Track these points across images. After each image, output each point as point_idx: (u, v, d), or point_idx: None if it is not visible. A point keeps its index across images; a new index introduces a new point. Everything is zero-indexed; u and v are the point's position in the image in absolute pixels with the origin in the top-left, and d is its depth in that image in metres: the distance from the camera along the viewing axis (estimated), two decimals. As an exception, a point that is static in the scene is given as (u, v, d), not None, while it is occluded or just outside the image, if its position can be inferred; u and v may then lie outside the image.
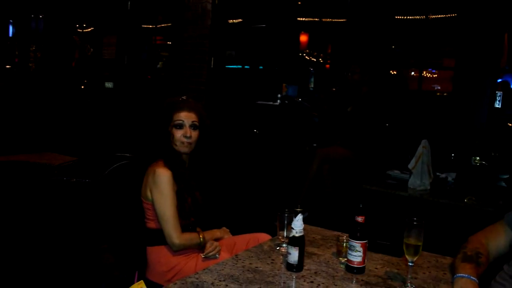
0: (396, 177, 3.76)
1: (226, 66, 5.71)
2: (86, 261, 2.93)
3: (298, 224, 1.68)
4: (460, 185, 3.61)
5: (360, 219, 1.70)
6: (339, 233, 2.25)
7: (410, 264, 1.63)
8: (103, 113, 6.72)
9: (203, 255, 2.19)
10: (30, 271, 2.85)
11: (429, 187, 3.38)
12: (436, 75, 4.96)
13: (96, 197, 2.20)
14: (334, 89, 5.53)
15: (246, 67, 5.79)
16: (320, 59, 6.34)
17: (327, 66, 6.21)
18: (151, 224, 2.16)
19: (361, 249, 1.69)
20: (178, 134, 2.19)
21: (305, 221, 3.85)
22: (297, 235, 1.67)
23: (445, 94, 4.90)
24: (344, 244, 1.84)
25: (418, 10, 4.51)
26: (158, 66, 6.70)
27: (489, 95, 4.02)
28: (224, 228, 2.45)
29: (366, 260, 1.72)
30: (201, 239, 2.20)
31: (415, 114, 4.81)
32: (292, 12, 5.25)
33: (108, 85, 6.95)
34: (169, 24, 6.52)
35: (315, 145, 4.70)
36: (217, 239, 2.34)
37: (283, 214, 1.93)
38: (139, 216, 2.20)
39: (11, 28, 8.74)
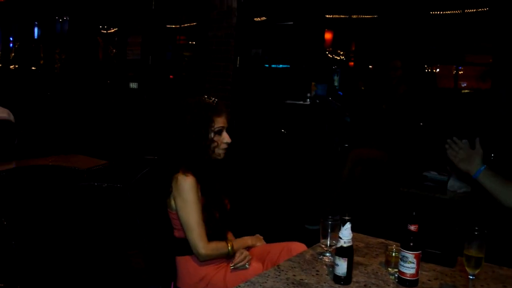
0: (434, 179, 3.59)
1: (268, 66, 5.60)
2: (115, 267, 2.87)
3: (346, 234, 1.55)
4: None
5: (413, 227, 1.57)
6: (383, 240, 2.12)
7: (471, 277, 1.49)
8: (129, 114, 6.69)
9: (232, 265, 2.08)
10: (60, 277, 2.80)
11: (469, 190, 3.22)
12: (461, 72, 4.79)
13: (127, 202, 2.11)
14: (362, 87, 5.39)
15: (273, 66, 5.68)
16: (342, 57, 6.20)
17: (351, 64, 6.09)
18: (178, 233, 2.07)
19: (414, 260, 1.56)
20: (221, 140, 2.07)
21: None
22: (345, 245, 1.55)
23: (467, 91, 4.77)
24: (394, 254, 1.71)
25: (453, 4, 4.34)
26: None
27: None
28: (258, 235, 2.32)
29: (419, 272, 1.59)
30: (230, 248, 2.07)
31: (450, 113, 4.64)
32: (319, 9, 5.12)
33: (133, 85, 6.93)
34: (193, 24, 6.46)
35: (347, 145, 4.56)
36: (248, 248, 2.22)
37: (326, 221, 1.80)
38: (167, 224, 2.11)
39: (36, 30, 8.82)
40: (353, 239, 1.59)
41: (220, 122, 2.06)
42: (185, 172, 1.99)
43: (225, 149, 2.09)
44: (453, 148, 2.15)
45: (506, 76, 3.91)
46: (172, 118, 2.09)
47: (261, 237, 2.31)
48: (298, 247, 2.17)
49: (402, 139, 3.95)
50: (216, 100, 2.11)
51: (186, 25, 6.66)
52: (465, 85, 5.00)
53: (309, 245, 2.15)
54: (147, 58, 6.62)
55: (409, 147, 3.95)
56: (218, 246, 2.05)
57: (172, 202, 2.03)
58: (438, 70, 5.80)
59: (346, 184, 3.88)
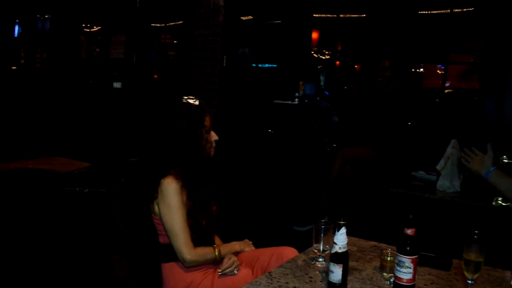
0: (422, 178, 3.58)
1: (255, 65, 5.53)
2: (98, 273, 2.78)
3: (341, 239, 1.50)
4: (489, 185, 3.43)
5: (410, 231, 1.52)
6: (375, 242, 2.07)
7: (470, 281, 1.45)
8: (112, 114, 6.56)
9: (220, 271, 2.02)
10: (42, 283, 2.71)
11: (459, 189, 3.20)
12: (443, 72, 4.80)
13: (110, 208, 2.02)
14: (345, 87, 5.36)
15: (260, 65, 5.62)
16: (328, 56, 6.17)
17: (337, 63, 6.06)
18: (163, 239, 2.00)
19: (411, 265, 1.51)
20: (211, 138, 2.07)
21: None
22: (340, 251, 1.50)
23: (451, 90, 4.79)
24: (389, 259, 1.66)
25: (440, 4, 4.33)
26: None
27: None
28: (246, 240, 2.26)
29: (416, 277, 1.54)
30: (217, 253, 2.02)
31: (437, 112, 4.64)
32: (307, 7, 5.07)
33: (117, 85, 6.79)
34: (179, 23, 6.36)
35: (335, 145, 4.52)
36: (236, 253, 2.16)
37: (319, 225, 1.75)
38: (152, 229, 2.04)
39: (17, 28, 8.61)
40: (347, 245, 1.54)
41: (208, 121, 2.05)
42: (173, 176, 1.93)
43: (214, 146, 2.10)
44: (469, 155, 2.32)
45: (493, 76, 3.90)
46: (164, 121, 2.04)
47: (250, 242, 2.26)
48: (289, 252, 2.12)
49: (391, 139, 3.92)
50: (200, 100, 2.07)
51: (171, 23, 6.56)
52: (448, 84, 5.01)
53: (298, 247, 2.10)
54: (131, 57, 6.50)
55: (398, 146, 3.93)
56: (204, 252, 1.99)
57: (156, 208, 1.97)
58: (422, 69, 5.81)
59: (335, 185, 3.84)
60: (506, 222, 2.88)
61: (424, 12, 4.42)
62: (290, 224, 3.87)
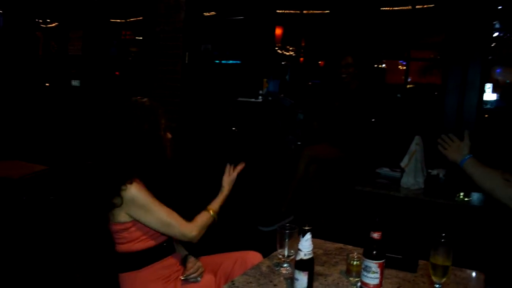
0: (387, 175, 3.59)
1: (219, 61, 5.42)
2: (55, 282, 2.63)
3: (306, 245, 1.44)
4: (451, 181, 3.47)
5: (376, 235, 1.47)
6: (341, 244, 2.03)
7: (437, 286, 1.42)
8: (70, 114, 6.30)
9: (183, 277, 1.93)
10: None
11: (423, 186, 3.22)
12: (405, 67, 4.85)
13: (61, 215, 1.90)
14: (310, 83, 5.33)
15: (223, 62, 5.53)
16: (292, 53, 6.15)
17: (301, 59, 6.04)
18: (121, 248, 1.88)
19: (378, 270, 1.47)
20: (168, 137, 1.97)
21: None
22: (305, 257, 1.44)
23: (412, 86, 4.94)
24: (355, 263, 1.61)
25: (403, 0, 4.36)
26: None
27: (478, 87, 3.88)
28: (224, 178, 2.33)
29: (383, 282, 1.50)
30: (212, 213, 2.02)
31: (400, 108, 4.67)
32: (270, 3, 5.01)
33: (75, 83, 6.55)
34: (139, 18, 6.18)
35: (300, 143, 4.47)
36: (198, 257, 2.08)
37: (283, 230, 1.68)
38: (108, 239, 1.93)
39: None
40: (313, 250, 1.48)
41: (164, 120, 1.96)
42: (136, 181, 1.82)
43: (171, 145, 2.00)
44: (445, 141, 2.27)
45: (455, 72, 3.95)
46: (123, 123, 1.89)
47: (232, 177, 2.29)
48: (253, 257, 2.05)
49: (356, 136, 3.91)
50: (149, 99, 1.98)
51: (132, 19, 6.37)
52: (410, 79, 5.08)
53: (264, 248, 2.04)
54: (90, 53, 6.27)
55: (362, 144, 3.92)
56: (202, 220, 1.96)
57: (120, 215, 1.84)
58: (384, 65, 5.87)
59: (300, 183, 3.79)
60: (468, 219, 2.92)
61: (386, 8, 4.43)
62: (255, 224, 3.81)
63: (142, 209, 1.81)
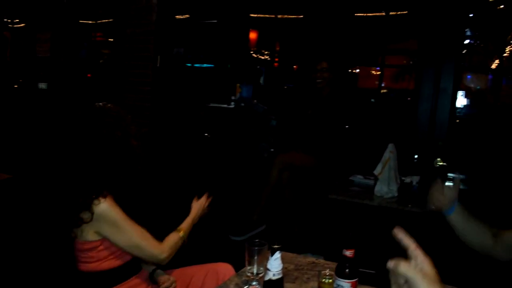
0: (360, 183, 3.56)
1: (191, 65, 5.31)
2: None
3: (276, 265, 1.36)
4: (424, 189, 3.46)
5: (349, 253, 1.41)
6: (313, 259, 1.96)
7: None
8: (37, 118, 6.06)
9: None
10: None
11: (396, 194, 3.20)
12: (379, 73, 4.87)
13: (24, 227, 1.78)
14: (285, 87, 5.28)
15: (196, 65, 5.42)
16: (267, 57, 6.11)
17: (276, 64, 6.00)
18: (87, 267, 1.77)
19: (350, 289, 1.40)
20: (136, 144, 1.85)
21: (262, 234, 3.53)
22: (274, 278, 1.36)
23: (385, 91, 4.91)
24: (327, 281, 1.54)
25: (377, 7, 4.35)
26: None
27: (451, 94, 3.88)
28: (194, 200, 2.18)
29: (355, 301, 1.43)
30: (182, 234, 1.92)
31: (374, 114, 4.66)
32: (244, 7, 4.93)
33: (42, 86, 6.32)
34: (111, 20, 6.02)
35: (273, 150, 4.40)
36: (170, 271, 2.00)
37: (252, 246, 1.60)
38: (71, 256, 1.81)
39: None
40: (283, 269, 1.40)
41: (134, 127, 1.84)
42: (103, 196, 1.70)
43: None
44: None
45: (428, 78, 3.94)
46: (93, 131, 1.76)
47: (201, 202, 2.15)
48: (224, 269, 1.98)
49: (329, 143, 3.86)
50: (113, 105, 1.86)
51: (103, 21, 6.20)
52: (383, 85, 5.09)
53: (235, 259, 1.95)
54: (58, 55, 6.07)
55: (335, 151, 3.87)
56: (172, 241, 1.87)
57: (88, 233, 1.72)
58: (358, 70, 5.87)
59: (273, 191, 3.71)
60: (441, 227, 2.89)
61: (360, 14, 4.42)
62: (226, 233, 3.71)
63: (113, 227, 1.70)
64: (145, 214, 1.90)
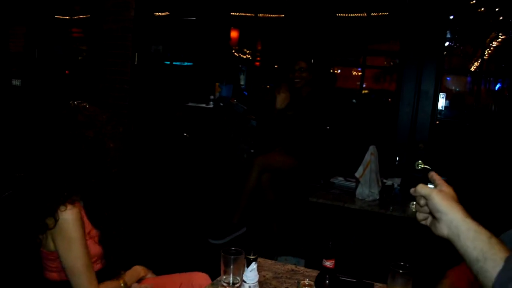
0: (341, 185, 3.50)
1: (170, 63, 5.19)
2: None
3: (252, 276, 1.29)
4: (406, 191, 3.43)
5: (329, 263, 1.34)
6: (293, 266, 1.89)
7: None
8: (9, 116, 5.86)
9: None
10: None
11: (378, 197, 3.15)
12: (360, 73, 4.86)
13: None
14: (268, 86, 5.22)
15: (175, 63, 5.32)
16: (249, 56, 6.05)
17: (257, 63, 5.94)
18: (53, 275, 1.67)
19: (330, 301, 1.33)
20: (114, 147, 1.71)
21: (243, 237, 3.43)
22: (250, 290, 1.28)
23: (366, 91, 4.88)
24: (307, 292, 1.47)
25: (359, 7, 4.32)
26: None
27: (432, 96, 3.87)
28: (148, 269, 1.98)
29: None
30: (123, 285, 1.76)
31: (355, 115, 4.64)
32: (224, 6, 4.85)
33: (16, 82, 6.13)
34: (88, 16, 5.86)
35: (253, 151, 4.32)
36: (140, 279, 1.90)
37: (228, 255, 1.51)
38: (37, 263, 1.70)
39: None
40: (259, 279, 1.33)
41: (110, 128, 1.71)
42: (71, 202, 1.60)
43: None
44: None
45: (409, 80, 3.92)
46: (64, 130, 1.65)
47: (151, 271, 1.98)
48: (200, 279, 1.89)
49: (310, 144, 3.80)
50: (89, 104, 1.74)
51: (80, 16, 6.04)
52: (365, 85, 5.08)
53: (214, 262, 1.86)
54: (33, 51, 5.89)
55: (316, 152, 3.82)
56: (111, 287, 1.73)
57: (49, 241, 1.62)
58: (339, 70, 5.86)
59: (253, 193, 3.63)
60: (421, 231, 2.86)
61: (342, 14, 4.38)
62: (205, 236, 3.61)
63: (67, 242, 1.58)
64: (118, 220, 1.80)
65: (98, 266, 1.72)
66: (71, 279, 1.61)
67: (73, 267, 1.59)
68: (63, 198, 1.58)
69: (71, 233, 1.57)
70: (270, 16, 4.83)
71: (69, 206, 1.58)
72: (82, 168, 1.64)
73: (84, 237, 1.61)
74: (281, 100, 3.75)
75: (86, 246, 1.62)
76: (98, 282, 1.65)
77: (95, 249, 1.70)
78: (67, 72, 6.11)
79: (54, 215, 1.57)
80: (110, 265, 1.77)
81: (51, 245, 1.61)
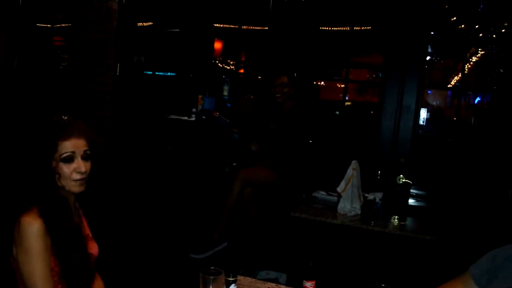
0: (323, 200, 3.50)
1: (152, 73, 5.15)
2: None
3: (230, 299, 1.25)
4: (387, 206, 3.44)
5: (309, 284, 1.31)
6: (274, 285, 1.86)
7: None
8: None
9: None
10: None
11: (359, 212, 3.15)
12: (343, 85, 4.89)
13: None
14: (252, 96, 5.21)
15: (158, 73, 5.27)
16: (232, 67, 6.06)
17: (241, 75, 5.95)
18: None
19: (311, 324, 1.30)
20: (69, 170, 1.61)
21: (224, 252, 3.39)
22: (229, 313, 1.25)
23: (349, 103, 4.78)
24: (287, 313, 1.45)
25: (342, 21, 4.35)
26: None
27: (414, 110, 3.89)
28: None
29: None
30: None
31: (338, 128, 4.65)
32: (207, 17, 4.85)
33: (-6, 91, 6.00)
34: (69, 24, 5.79)
35: (235, 164, 4.29)
36: None
37: (207, 275, 1.48)
38: (11, 276, 1.65)
39: None
40: None
41: (68, 146, 1.60)
42: (34, 214, 1.55)
43: (81, 179, 1.64)
44: None
45: (391, 95, 3.94)
46: (17, 145, 1.65)
47: None
48: None
49: (292, 159, 3.79)
50: (67, 118, 1.66)
51: (62, 25, 5.96)
52: (347, 98, 5.11)
53: (193, 280, 1.80)
54: (12, 60, 5.79)
55: (299, 166, 3.80)
56: None
57: (14, 250, 1.58)
58: (323, 83, 5.89)
59: (234, 208, 3.59)
60: (403, 247, 2.86)
61: (325, 28, 4.40)
62: (186, 251, 3.56)
63: (25, 254, 1.52)
64: (80, 241, 1.73)
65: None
66: None
67: (28, 279, 1.52)
68: (20, 209, 1.55)
69: (30, 245, 1.51)
70: (253, 28, 4.84)
71: (31, 218, 1.53)
72: (31, 184, 1.60)
73: (44, 253, 1.54)
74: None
75: (45, 261, 1.54)
76: None
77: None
78: (46, 80, 6.01)
79: (17, 227, 1.53)
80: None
81: (15, 254, 1.57)
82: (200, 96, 4.64)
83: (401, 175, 3.76)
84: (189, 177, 4.38)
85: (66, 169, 1.60)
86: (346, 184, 3.16)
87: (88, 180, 1.68)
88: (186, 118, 4.56)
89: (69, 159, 1.61)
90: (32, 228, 1.52)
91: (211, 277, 1.48)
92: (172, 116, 4.66)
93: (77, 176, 1.62)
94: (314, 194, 3.55)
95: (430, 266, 2.74)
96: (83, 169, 1.62)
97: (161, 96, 5.10)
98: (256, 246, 3.73)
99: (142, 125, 4.87)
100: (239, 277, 1.87)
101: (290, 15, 4.26)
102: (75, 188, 1.64)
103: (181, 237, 3.83)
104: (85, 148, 1.65)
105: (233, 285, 1.27)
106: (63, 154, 1.59)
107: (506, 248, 1.51)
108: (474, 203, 3.76)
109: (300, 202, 3.38)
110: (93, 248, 1.78)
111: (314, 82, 4.98)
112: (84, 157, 1.64)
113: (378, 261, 2.81)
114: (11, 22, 5.85)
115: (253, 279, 1.90)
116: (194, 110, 4.55)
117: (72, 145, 1.61)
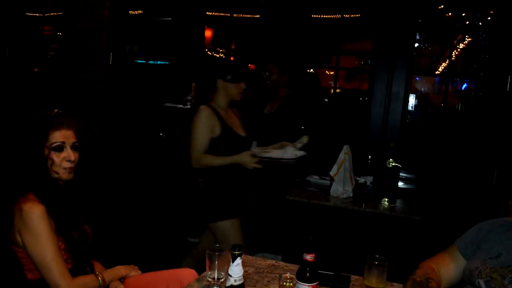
0: (316, 183, 3.60)
1: (145, 62, 5.18)
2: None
3: (237, 270, 1.35)
4: (378, 189, 3.56)
5: (309, 257, 1.41)
6: (273, 261, 1.96)
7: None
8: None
9: None
10: None
11: (351, 194, 3.26)
12: (332, 72, 4.96)
13: None
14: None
15: (150, 62, 5.31)
16: (222, 55, 6.10)
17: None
18: (32, 274, 1.70)
19: (311, 293, 1.40)
20: (59, 158, 1.75)
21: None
22: (236, 283, 1.35)
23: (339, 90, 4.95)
24: (288, 285, 1.54)
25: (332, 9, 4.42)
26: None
27: (403, 96, 4.00)
28: (132, 265, 2.01)
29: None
30: (100, 281, 1.78)
31: (329, 114, 4.73)
32: (199, 5, 4.88)
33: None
34: (60, 13, 5.78)
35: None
36: (123, 279, 1.92)
37: (213, 253, 1.57)
38: (14, 265, 1.73)
39: None
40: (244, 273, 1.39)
41: (58, 137, 1.75)
42: (33, 200, 1.65)
43: (70, 168, 1.78)
44: None
45: (381, 81, 4.04)
46: (12, 135, 1.79)
47: (136, 267, 2.00)
48: (187, 275, 1.93)
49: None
50: (57, 111, 1.82)
51: (52, 14, 5.94)
52: (338, 85, 5.18)
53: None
54: (3, 49, 5.78)
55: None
56: (85, 281, 1.74)
57: (19, 238, 1.66)
58: (312, 70, 5.96)
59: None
60: (393, 227, 2.98)
61: (316, 16, 4.47)
62: (184, 235, 3.65)
63: (33, 237, 1.62)
64: (76, 223, 1.83)
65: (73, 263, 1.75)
66: (44, 273, 1.64)
67: (43, 261, 1.62)
68: (17, 195, 1.69)
69: (37, 228, 1.62)
70: (245, 16, 4.89)
71: (32, 203, 1.65)
72: (25, 171, 1.73)
73: (51, 233, 1.65)
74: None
75: (54, 241, 1.65)
76: (69, 274, 1.67)
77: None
78: (36, 70, 6.01)
79: (20, 213, 1.63)
80: (78, 263, 1.79)
81: (19, 240, 1.66)
82: (194, 84, 4.70)
83: (391, 159, 3.87)
84: (184, 163, 4.45)
85: (56, 157, 1.74)
86: (338, 168, 3.26)
87: (82, 167, 1.85)
88: (181, 106, 4.61)
89: (59, 148, 1.75)
90: (35, 212, 1.63)
91: (217, 253, 1.58)
92: (167, 104, 4.71)
93: (67, 164, 1.76)
94: (308, 178, 3.65)
95: (419, 244, 2.87)
96: (72, 158, 1.77)
97: (154, 84, 5.14)
98: (252, 230, 3.83)
99: (136, 113, 4.91)
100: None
101: (282, 3, 4.32)
102: (64, 175, 1.78)
103: (178, 221, 3.92)
104: (74, 140, 1.80)
105: (238, 258, 1.36)
106: (54, 143, 1.74)
107: (490, 222, 1.63)
108: (460, 185, 3.90)
109: (295, 186, 3.47)
110: (87, 229, 1.89)
111: (309, 70, 5.05)
112: (73, 148, 1.79)
113: (370, 241, 2.93)
114: (0, 12, 5.83)
115: (254, 257, 2.00)
116: (189, 98, 4.60)
117: (62, 135, 1.76)
